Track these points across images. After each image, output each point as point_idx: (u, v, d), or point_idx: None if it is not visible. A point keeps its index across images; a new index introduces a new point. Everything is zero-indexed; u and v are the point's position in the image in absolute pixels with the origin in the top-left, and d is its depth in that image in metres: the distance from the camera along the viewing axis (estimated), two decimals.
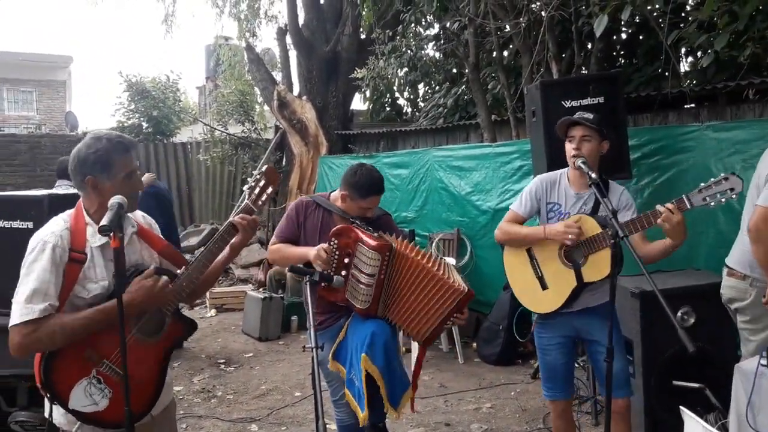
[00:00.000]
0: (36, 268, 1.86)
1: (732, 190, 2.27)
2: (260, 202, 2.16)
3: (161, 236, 2.19)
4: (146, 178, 5.96)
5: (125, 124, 13.96)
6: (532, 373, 4.82)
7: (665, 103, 5.14)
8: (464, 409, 4.30)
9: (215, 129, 10.64)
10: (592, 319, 2.76)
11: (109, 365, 1.94)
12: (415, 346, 5.09)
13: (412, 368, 2.87)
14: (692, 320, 3.40)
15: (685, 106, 5.24)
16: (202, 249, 2.06)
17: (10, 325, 1.83)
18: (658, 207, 2.46)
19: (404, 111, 11.32)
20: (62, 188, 4.99)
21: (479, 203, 5.68)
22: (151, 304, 1.97)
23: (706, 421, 1.91)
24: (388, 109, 11.13)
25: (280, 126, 9.34)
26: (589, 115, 2.81)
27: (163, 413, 2.15)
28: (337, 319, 2.88)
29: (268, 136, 10.34)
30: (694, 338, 2.06)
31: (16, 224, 3.47)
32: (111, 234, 1.80)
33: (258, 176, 2.19)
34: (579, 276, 2.70)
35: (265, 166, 2.22)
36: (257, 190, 2.19)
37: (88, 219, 1.98)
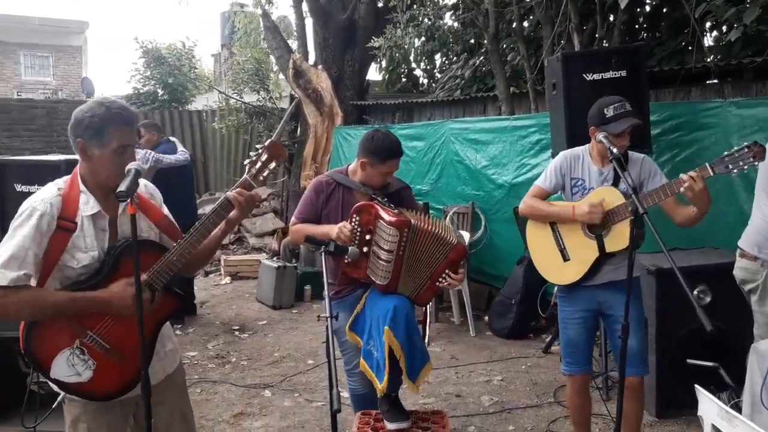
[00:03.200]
0: (18, 234, 1.83)
1: (755, 157, 2.25)
2: (261, 178, 2.09)
3: (161, 207, 2.14)
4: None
5: (141, 91, 13.98)
6: (543, 348, 4.84)
7: (688, 78, 5.02)
8: (475, 381, 4.33)
9: (230, 97, 10.61)
10: (615, 293, 2.74)
11: (93, 337, 1.91)
12: (427, 320, 5.13)
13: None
14: (708, 299, 3.38)
15: (708, 82, 5.12)
16: (196, 224, 2.01)
17: None
18: (682, 175, 2.46)
19: (420, 82, 11.20)
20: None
21: (495, 177, 5.64)
22: (127, 313, 1.90)
23: (719, 399, 1.91)
24: (404, 79, 11.01)
25: (295, 95, 9.28)
26: (628, 105, 2.73)
27: (167, 381, 2.14)
28: (354, 290, 2.90)
29: (283, 106, 10.29)
30: (710, 317, 2.04)
31: (34, 189, 3.50)
32: (128, 200, 1.79)
33: (260, 150, 2.10)
34: (601, 246, 2.70)
35: (268, 141, 2.14)
36: (258, 165, 2.09)
37: (82, 186, 1.93)
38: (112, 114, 1.88)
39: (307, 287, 6.64)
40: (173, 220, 2.15)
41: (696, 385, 2.04)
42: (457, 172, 6.05)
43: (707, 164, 2.41)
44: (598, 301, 2.83)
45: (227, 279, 7.74)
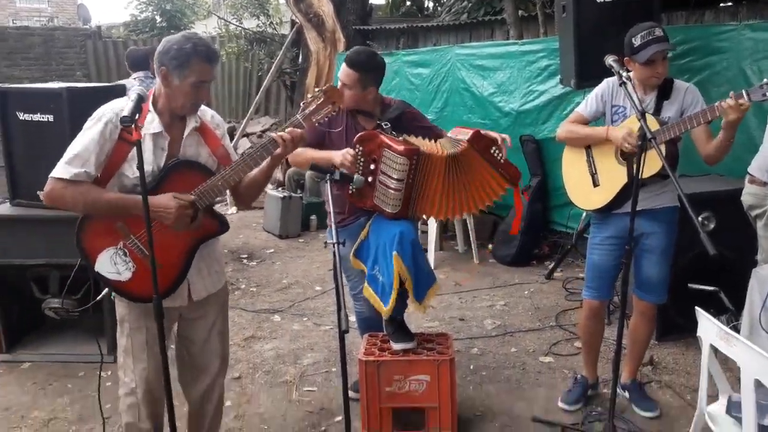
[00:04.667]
0: (86, 136, 2.01)
1: None
2: (314, 120, 2.19)
3: (223, 137, 2.26)
4: None
5: (138, 18, 13.62)
6: (546, 274, 4.92)
7: (702, 0, 4.86)
8: (478, 305, 4.44)
9: (230, 23, 10.33)
10: (650, 222, 2.77)
11: (135, 241, 2.06)
12: (431, 229, 5.20)
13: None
14: (712, 225, 3.41)
15: (722, 5, 4.96)
16: (243, 154, 2.14)
17: (50, 175, 1.99)
18: (722, 101, 2.41)
19: (426, 6, 10.84)
20: (137, 80, 5.08)
21: (501, 105, 5.55)
22: (167, 222, 2.02)
23: (718, 322, 1.96)
24: (408, 3, 10.67)
25: (296, 21, 9.03)
26: (660, 32, 2.65)
27: (209, 299, 2.28)
28: (357, 218, 2.92)
29: (284, 32, 10.03)
30: (713, 243, 2.06)
31: (37, 117, 3.48)
32: (132, 125, 1.82)
33: (318, 92, 2.21)
34: (631, 172, 2.69)
35: (327, 85, 2.25)
36: (313, 107, 2.19)
37: (150, 107, 2.07)
38: (197, 50, 2.00)
39: (313, 217, 6.69)
40: (232, 151, 2.27)
41: (696, 307, 2.09)
42: (463, 99, 5.96)
43: (744, 91, 2.36)
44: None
45: (233, 209, 7.79)
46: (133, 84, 4.98)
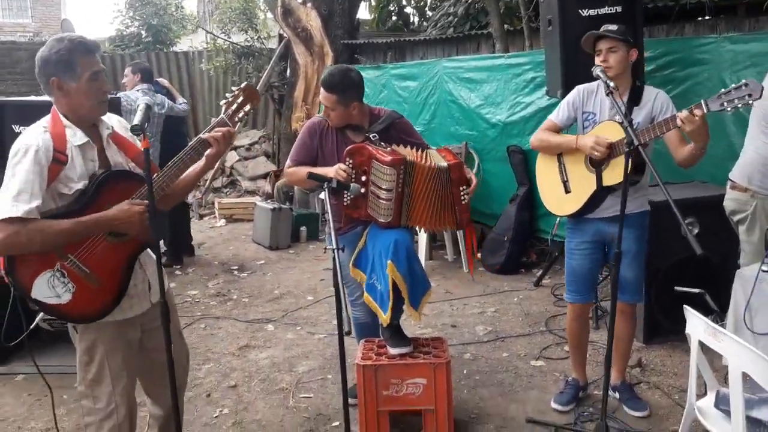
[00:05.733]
0: (19, 170, 1.89)
1: (750, 96, 2.28)
2: (236, 119, 2.22)
3: (135, 142, 2.18)
4: (164, 82, 6.00)
5: (124, 33, 13.62)
6: (535, 281, 5.00)
7: (682, 14, 5.02)
8: (469, 312, 4.50)
9: (218, 37, 10.38)
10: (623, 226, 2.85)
11: (74, 260, 1.99)
12: (422, 239, 5.25)
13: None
14: (696, 230, 3.51)
15: (702, 18, 5.12)
16: (174, 158, 2.12)
17: None
18: (678, 113, 2.49)
19: (411, 20, 10.99)
20: (140, 92, 5.11)
21: (489, 116, 5.66)
22: (131, 231, 2.01)
23: None
24: (394, 18, 10.81)
25: (284, 35, 9.12)
26: (614, 27, 2.80)
27: (158, 305, 2.17)
28: (354, 227, 2.98)
29: (272, 46, 10.10)
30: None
31: None
32: (142, 134, 1.87)
33: (236, 92, 2.23)
34: (599, 179, 2.78)
35: (244, 83, 2.28)
36: (234, 106, 2.22)
37: (65, 122, 2.00)
38: (75, 45, 1.95)
39: (303, 228, 6.74)
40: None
41: (684, 305, 2.17)
42: (451, 111, 6.06)
43: (702, 101, 2.43)
44: (603, 234, 2.91)
45: (222, 221, 7.82)
46: (137, 96, 5.05)
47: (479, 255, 5.65)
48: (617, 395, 3.14)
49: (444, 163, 2.80)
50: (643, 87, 2.88)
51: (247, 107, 2.24)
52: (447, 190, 2.80)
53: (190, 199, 8.34)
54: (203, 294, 5.11)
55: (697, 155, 2.63)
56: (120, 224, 1.98)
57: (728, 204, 3.14)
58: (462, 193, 2.81)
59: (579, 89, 2.95)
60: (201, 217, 8.19)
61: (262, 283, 5.36)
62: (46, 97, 3.84)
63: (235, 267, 5.83)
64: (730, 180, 3.13)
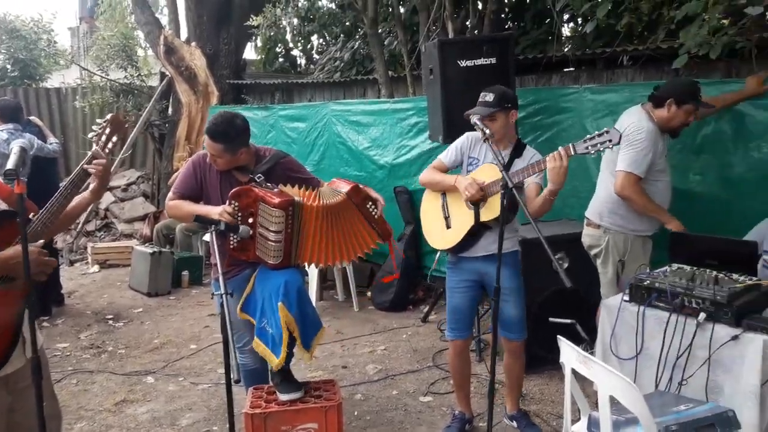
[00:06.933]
0: None
1: (610, 141, 2.55)
2: (107, 150, 2.22)
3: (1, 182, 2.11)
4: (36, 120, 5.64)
5: None
6: (422, 317, 5.12)
7: (549, 65, 5.47)
8: (360, 352, 4.50)
9: (95, 74, 9.89)
10: (495, 265, 2.98)
11: None
12: (312, 279, 5.19)
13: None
14: (566, 264, 3.76)
15: (566, 70, 5.61)
16: (55, 195, 2.10)
17: None
18: (547, 156, 2.71)
19: (298, 63, 11.12)
20: (5, 132, 4.70)
21: (377, 158, 5.81)
22: (21, 273, 1.89)
23: None
24: (281, 59, 10.88)
25: (167, 73, 8.88)
26: (490, 97, 2.97)
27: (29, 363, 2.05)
28: (242, 270, 2.92)
29: (153, 83, 9.78)
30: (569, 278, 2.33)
31: None
32: (16, 179, 1.75)
33: (103, 123, 2.25)
34: (477, 216, 2.93)
35: (110, 115, 2.31)
36: (104, 138, 2.23)
37: None
38: None
39: (185, 272, 6.45)
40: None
41: (558, 336, 2.31)
42: (340, 153, 6.16)
43: (570, 144, 2.67)
44: (480, 273, 3.07)
45: (95, 267, 7.31)
46: (3, 136, 4.70)
47: (369, 294, 5.71)
48: (515, 424, 3.28)
49: (341, 193, 2.82)
50: (525, 145, 3.11)
51: (115, 138, 2.25)
52: (351, 218, 2.84)
53: (59, 244, 7.76)
54: (75, 347, 4.72)
55: (549, 200, 2.79)
56: (13, 266, 1.89)
57: (585, 239, 3.46)
58: (371, 210, 2.86)
59: (468, 136, 3.13)
60: (72, 263, 7.63)
61: (141, 333, 5.05)
62: None
63: (110, 316, 5.46)
64: (586, 217, 3.46)
